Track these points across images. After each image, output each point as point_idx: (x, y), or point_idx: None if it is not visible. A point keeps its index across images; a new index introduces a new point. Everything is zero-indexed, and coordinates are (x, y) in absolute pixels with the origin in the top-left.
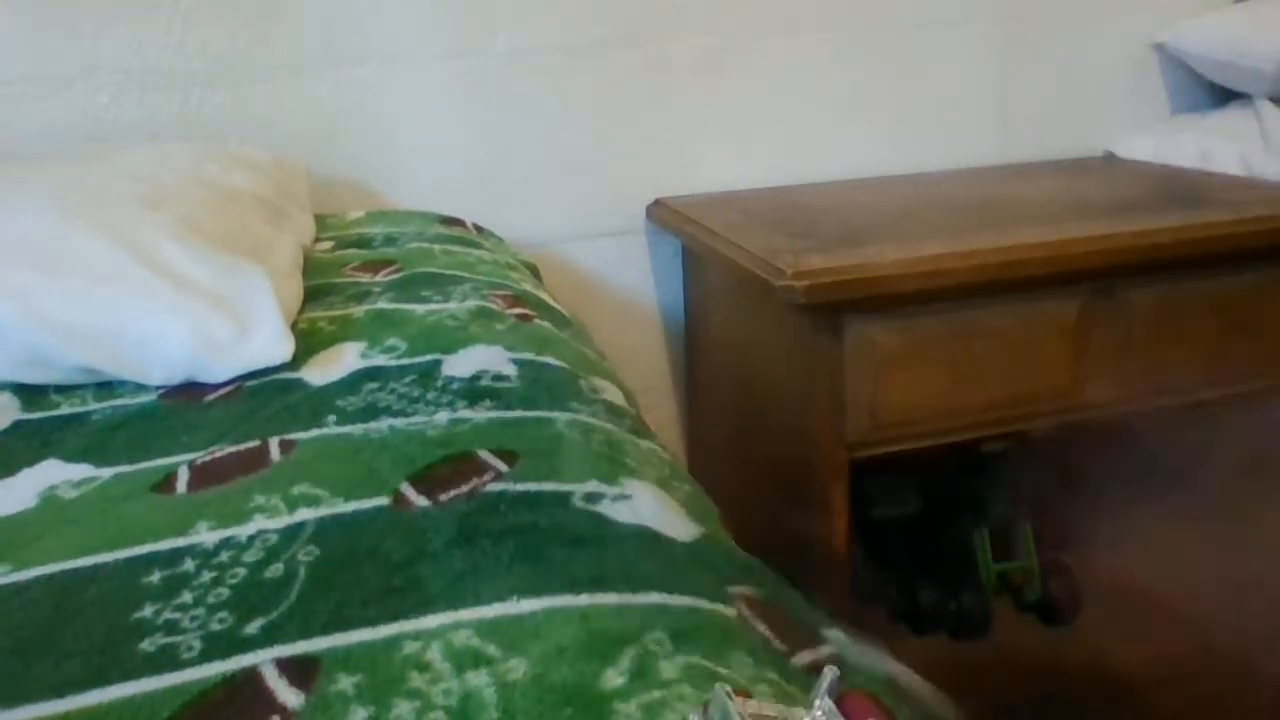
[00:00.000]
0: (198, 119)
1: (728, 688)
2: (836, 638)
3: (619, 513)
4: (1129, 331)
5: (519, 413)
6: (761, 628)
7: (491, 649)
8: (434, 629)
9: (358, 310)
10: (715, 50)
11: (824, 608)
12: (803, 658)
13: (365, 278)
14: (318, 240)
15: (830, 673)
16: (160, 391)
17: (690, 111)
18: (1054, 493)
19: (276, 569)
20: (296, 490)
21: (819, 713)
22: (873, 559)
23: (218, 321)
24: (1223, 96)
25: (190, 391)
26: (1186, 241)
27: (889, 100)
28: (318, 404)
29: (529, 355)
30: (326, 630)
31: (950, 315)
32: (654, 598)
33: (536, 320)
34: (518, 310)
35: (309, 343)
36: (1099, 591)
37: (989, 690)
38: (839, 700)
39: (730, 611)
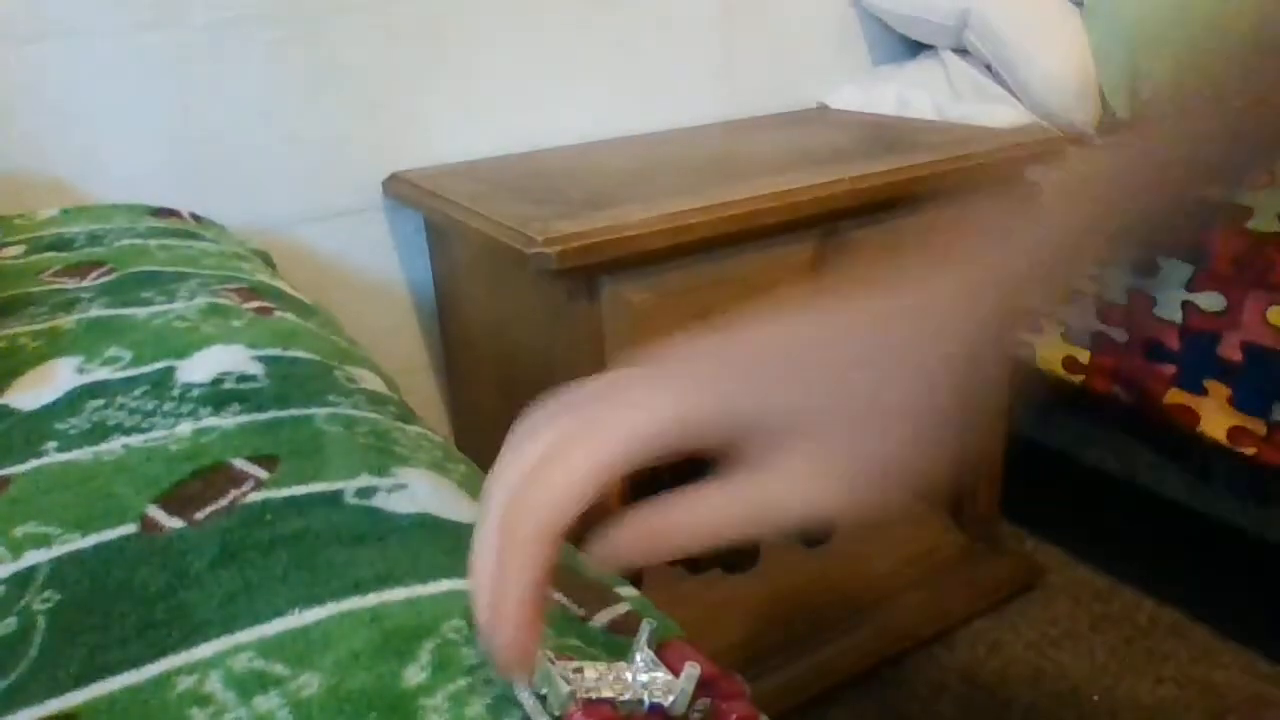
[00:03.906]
0: None
1: (550, 653)
2: (630, 593)
3: (396, 504)
4: (855, 270)
5: (272, 413)
6: (556, 595)
7: (279, 668)
8: (209, 658)
9: (67, 320)
10: (437, 15)
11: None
12: (601, 618)
13: (71, 283)
14: (3, 246)
15: (647, 625)
16: None
17: (417, 80)
18: None
19: (9, 624)
20: (20, 532)
21: (640, 663)
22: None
23: None
24: (916, 47)
25: None
26: (896, 184)
27: (615, 63)
28: (32, 431)
29: (274, 351)
30: (81, 682)
31: (697, 268)
32: (445, 585)
33: (277, 313)
34: (255, 304)
35: (10, 363)
36: None
37: (764, 613)
38: (657, 651)
39: None
